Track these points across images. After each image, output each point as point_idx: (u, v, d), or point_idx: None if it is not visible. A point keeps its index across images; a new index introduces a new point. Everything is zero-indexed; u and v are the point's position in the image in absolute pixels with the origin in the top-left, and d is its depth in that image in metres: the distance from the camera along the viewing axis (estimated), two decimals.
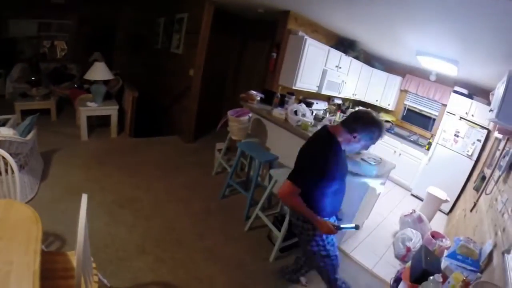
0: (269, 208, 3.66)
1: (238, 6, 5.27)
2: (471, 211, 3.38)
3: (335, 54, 5.15)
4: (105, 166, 4.23)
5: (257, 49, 6.45)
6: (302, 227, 2.04)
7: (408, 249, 3.30)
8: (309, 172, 1.84)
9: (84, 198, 1.62)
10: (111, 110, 5.07)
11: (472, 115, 5.02)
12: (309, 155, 1.93)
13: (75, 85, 6.80)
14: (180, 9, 5.87)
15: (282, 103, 4.18)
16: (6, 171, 2.18)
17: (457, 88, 5.29)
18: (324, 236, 2.02)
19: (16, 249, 1.55)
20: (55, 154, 4.44)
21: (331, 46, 5.11)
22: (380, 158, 3.28)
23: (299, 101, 4.77)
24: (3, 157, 2.16)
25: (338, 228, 1.91)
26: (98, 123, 5.48)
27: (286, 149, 3.71)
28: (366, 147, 1.97)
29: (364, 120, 1.86)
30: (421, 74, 6.13)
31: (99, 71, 4.84)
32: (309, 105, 4.63)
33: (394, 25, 3.66)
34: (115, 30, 8.68)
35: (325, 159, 1.82)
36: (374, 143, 1.94)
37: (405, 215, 3.95)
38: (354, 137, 1.86)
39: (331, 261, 2.10)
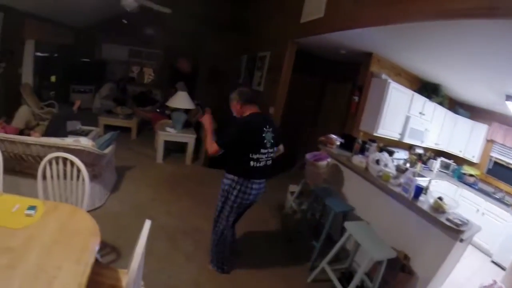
0: (337, 262, 3.39)
1: (321, 47, 5.22)
2: None
3: (419, 99, 4.85)
4: (175, 191, 4.34)
5: (337, 90, 6.33)
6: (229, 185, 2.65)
7: None
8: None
9: (148, 224, 1.58)
10: (189, 138, 5.24)
11: None
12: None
13: (157, 110, 7.20)
14: (263, 47, 6.02)
15: (362, 150, 3.97)
16: (78, 178, 2.27)
17: None
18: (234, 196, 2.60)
19: (69, 256, 1.53)
20: (129, 171, 4.66)
21: (414, 91, 4.83)
22: (467, 220, 2.89)
23: (380, 149, 4.51)
24: (77, 166, 2.25)
25: None
26: (174, 149, 5.68)
27: (363, 200, 3.48)
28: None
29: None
30: (510, 122, 5.46)
31: (181, 100, 5.06)
32: (390, 154, 4.36)
33: (485, 64, 3.34)
34: (199, 63, 9.18)
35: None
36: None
37: (485, 286, 3.43)
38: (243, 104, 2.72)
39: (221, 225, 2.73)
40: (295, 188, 4.16)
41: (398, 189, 3.00)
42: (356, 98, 4.59)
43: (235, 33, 8.27)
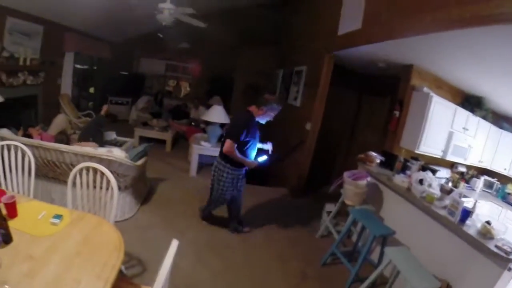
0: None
1: (357, 60, 5.09)
2: None
3: (462, 113, 4.59)
4: None
5: (375, 105, 6.15)
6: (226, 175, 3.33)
7: None
8: (236, 135, 3.14)
9: (175, 244, 1.51)
10: None
11: None
12: (237, 125, 3.32)
13: (192, 123, 7.27)
14: (299, 62, 5.97)
15: (404, 169, 3.78)
16: (107, 188, 2.27)
17: None
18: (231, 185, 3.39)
19: (89, 270, 1.50)
20: (161, 183, 4.69)
21: (457, 104, 4.59)
22: None
23: (422, 168, 4.30)
24: (107, 177, 2.26)
25: (257, 162, 3.41)
26: (208, 163, 5.68)
27: (404, 223, 3.29)
28: (271, 115, 3.35)
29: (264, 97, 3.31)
30: None
31: (216, 114, 5.08)
32: (433, 173, 4.13)
33: None
34: (234, 77, 9.40)
35: (239, 129, 3.16)
36: (275, 110, 3.34)
37: None
38: (262, 108, 3.26)
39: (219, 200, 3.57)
40: (332, 207, 4.01)
41: (443, 212, 2.81)
42: (397, 113, 4.41)
43: (271, 48, 8.34)
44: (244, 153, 3.25)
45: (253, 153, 3.39)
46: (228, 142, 3.12)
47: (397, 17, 3.42)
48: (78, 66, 7.66)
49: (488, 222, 2.51)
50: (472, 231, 2.51)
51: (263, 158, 3.50)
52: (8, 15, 4.66)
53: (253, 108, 3.30)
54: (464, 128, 4.67)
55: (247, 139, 3.20)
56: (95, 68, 8.94)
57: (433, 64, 4.20)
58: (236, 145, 3.14)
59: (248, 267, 3.16)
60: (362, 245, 3.51)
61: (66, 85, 6.96)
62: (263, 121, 3.36)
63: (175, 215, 3.91)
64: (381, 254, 2.97)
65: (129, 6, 5.20)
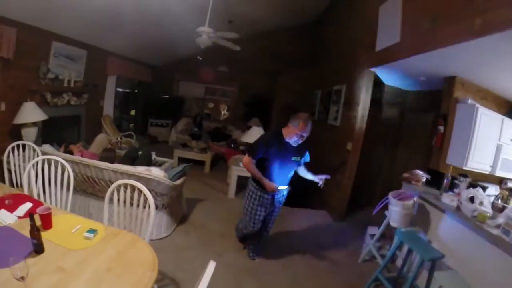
0: None
1: (398, 74, 4.96)
2: None
3: (509, 124, 4.29)
4: None
5: (417, 121, 5.92)
6: (249, 188, 3.26)
7: None
8: (254, 151, 3.04)
9: (212, 265, 1.47)
10: None
11: None
12: (256, 140, 3.21)
13: (232, 145, 7.37)
14: (338, 81, 5.94)
15: (451, 187, 3.58)
16: (145, 206, 2.29)
17: None
18: (255, 201, 3.20)
19: (120, 287, 1.48)
20: (199, 204, 4.73)
21: (503, 115, 4.32)
22: None
23: (470, 185, 4.04)
24: (144, 194, 2.28)
25: (277, 188, 3.07)
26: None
27: (454, 246, 3.10)
28: (298, 135, 2.96)
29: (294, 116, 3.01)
30: None
31: (255, 135, 5.11)
32: (483, 190, 3.87)
33: None
34: (273, 99, 9.56)
35: (257, 144, 3.08)
36: (301, 130, 2.93)
37: None
38: (288, 126, 3.02)
39: (247, 217, 3.34)
40: (375, 230, 3.85)
41: (496, 232, 2.60)
42: (441, 128, 4.20)
43: (309, 68, 8.40)
44: (265, 171, 3.07)
45: (276, 175, 3.11)
46: (246, 156, 3.09)
47: (436, 25, 3.33)
48: (120, 89, 8.06)
49: None
50: None
51: (283, 187, 3.22)
52: (53, 40, 5.03)
53: (285, 128, 3.10)
54: None
55: (267, 156, 3.02)
56: (136, 91, 9.37)
57: (476, 74, 4.01)
58: (254, 161, 3.04)
59: None
60: (408, 271, 3.34)
61: (108, 106, 7.35)
62: (292, 142, 3.03)
63: (212, 236, 3.92)
64: (429, 279, 2.80)
65: (168, 32, 5.42)
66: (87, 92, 6.27)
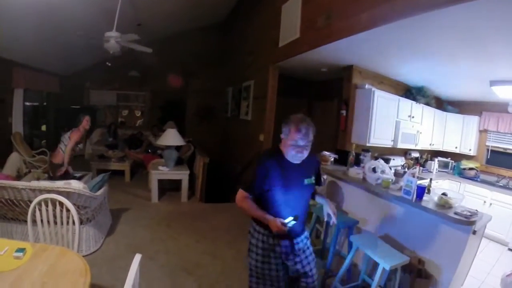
0: (349, 280, 3.30)
1: (301, 68, 5.30)
2: None
3: (406, 103, 4.90)
4: (172, 229, 4.27)
5: (325, 108, 6.38)
6: (251, 234, 2.19)
7: None
8: (251, 183, 2.08)
9: (137, 258, 1.56)
10: (182, 175, 5.22)
11: None
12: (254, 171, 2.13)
13: (149, 151, 7.21)
14: (246, 77, 6.18)
15: (357, 162, 3.95)
16: (68, 222, 2.25)
17: None
18: (256, 256, 2.13)
19: None
20: (124, 213, 4.62)
21: (400, 96, 4.89)
22: (476, 210, 2.81)
23: (375, 158, 4.50)
24: (67, 208, 2.23)
25: (284, 224, 1.90)
26: (169, 187, 5.65)
27: (366, 212, 3.40)
28: (294, 146, 1.99)
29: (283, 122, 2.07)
30: (499, 108, 5.49)
31: (171, 137, 5.08)
32: (386, 161, 4.33)
33: (463, 57, 3.48)
34: (186, 100, 9.52)
35: (254, 173, 2.09)
36: (294, 138, 1.97)
37: (507, 275, 3.30)
38: (282, 138, 2.07)
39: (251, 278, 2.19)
40: None
41: (399, 193, 2.93)
42: (344, 112, 4.62)
43: (220, 68, 8.53)
44: (268, 207, 2.05)
45: (286, 211, 2.03)
46: (239, 191, 2.13)
47: (331, 21, 3.64)
48: (28, 103, 7.41)
49: (444, 194, 2.66)
50: (431, 205, 2.64)
51: (290, 220, 1.93)
52: None
53: (281, 143, 2.12)
54: (409, 116, 4.97)
55: (269, 187, 2.04)
56: (45, 104, 8.66)
57: (372, 62, 4.46)
58: (250, 196, 2.07)
59: (222, 284, 3.15)
60: (329, 241, 3.61)
61: (17, 123, 6.68)
62: (294, 159, 2.05)
63: (142, 242, 3.84)
64: (349, 244, 3.03)
65: (76, 37, 5.12)
66: None
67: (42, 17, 4.95)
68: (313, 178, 2.19)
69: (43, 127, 8.80)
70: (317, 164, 2.33)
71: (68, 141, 4.33)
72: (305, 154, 2.03)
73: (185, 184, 5.26)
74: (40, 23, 5.15)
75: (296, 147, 1.99)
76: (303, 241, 2.21)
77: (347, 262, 2.85)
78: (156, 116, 9.85)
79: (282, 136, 2.07)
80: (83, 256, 1.91)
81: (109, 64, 7.08)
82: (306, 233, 2.27)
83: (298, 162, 2.06)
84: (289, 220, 1.92)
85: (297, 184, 2.10)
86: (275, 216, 1.96)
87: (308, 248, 2.24)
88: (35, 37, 5.54)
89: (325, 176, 3.68)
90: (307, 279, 2.22)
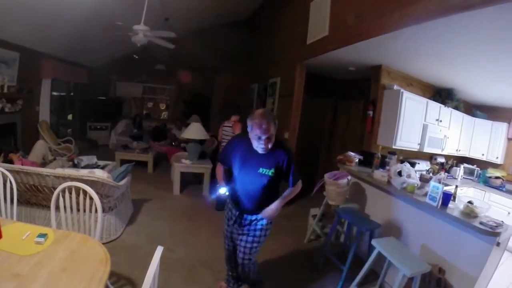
0: (367, 284, 3.20)
1: (329, 66, 5.23)
2: None
3: (434, 106, 4.76)
4: (192, 222, 4.32)
5: (351, 108, 6.30)
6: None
7: None
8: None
9: (159, 250, 1.58)
10: (205, 169, 5.25)
11: None
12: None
13: (173, 143, 7.29)
14: (273, 74, 6.16)
15: (383, 165, 3.88)
16: (91, 209, 2.26)
17: None
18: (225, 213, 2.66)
19: (76, 285, 1.51)
20: (145, 203, 4.68)
21: (428, 98, 4.77)
22: (502, 221, 2.70)
23: (401, 162, 4.42)
24: (91, 196, 2.26)
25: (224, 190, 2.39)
26: (191, 180, 5.70)
27: (389, 215, 3.36)
28: (256, 139, 2.20)
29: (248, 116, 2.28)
30: None
31: (195, 131, 5.12)
32: (412, 165, 4.24)
33: (495, 56, 3.30)
34: (211, 95, 9.60)
35: (228, 145, 2.60)
36: (256, 133, 2.16)
37: None
38: (248, 131, 2.28)
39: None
40: (316, 211, 4.05)
41: (424, 199, 2.87)
42: (371, 113, 4.54)
43: (246, 63, 8.55)
44: (232, 180, 2.45)
45: (240, 189, 2.42)
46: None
47: (361, 20, 3.59)
48: (55, 93, 7.61)
49: (470, 202, 2.59)
50: (456, 213, 2.59)
51: (224, 190, 2.39)
52: None
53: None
54: (437, 120, 4.83)
55: (231, 161, 2.43)
56: (72, 94, 8.88)
57: (401, 62, 4.36)
58: (222, 167, 2.57)
59: None
60: (350, 243, 3.56)
61: (44, 112, 6.87)
62: (259, 149, 2.26)
63: (162, 233, 3.89)
64: (370, 248, 2.98)
65: (103, 30, 5.23)
66: (21, 98, 5.82)
67: (71, 9, 5.06)
68: (271, 170, 2.31)
69: (69, 117, 9.04)
70: (284, 159, 2.33)
71: None
72: (269, 145, 2.23)
73: (207, 178, 5.29)
74: (69, 17, 5.29)
75: (258, 139, 2.19)
76: (252, 221, 2.48)
77: (366, 266, 2.81)
78: (181, 109, 9.98)
79: (248, 129, 2.28)
80: (103, 244, 1.93)
81: (136, 57, 7.18)
82: (259, 217, 2.46)
83: (262, 152, 2.26)
84: (224, 191, 2.39)
85: (251, 170, 2.33)
86: (233, 188, 2.43)
87: (254, 230, 2.48)
88: (63, 29, 5.67)
89: (349, 177, 3.62)
90: (239, 253, 2.51)
